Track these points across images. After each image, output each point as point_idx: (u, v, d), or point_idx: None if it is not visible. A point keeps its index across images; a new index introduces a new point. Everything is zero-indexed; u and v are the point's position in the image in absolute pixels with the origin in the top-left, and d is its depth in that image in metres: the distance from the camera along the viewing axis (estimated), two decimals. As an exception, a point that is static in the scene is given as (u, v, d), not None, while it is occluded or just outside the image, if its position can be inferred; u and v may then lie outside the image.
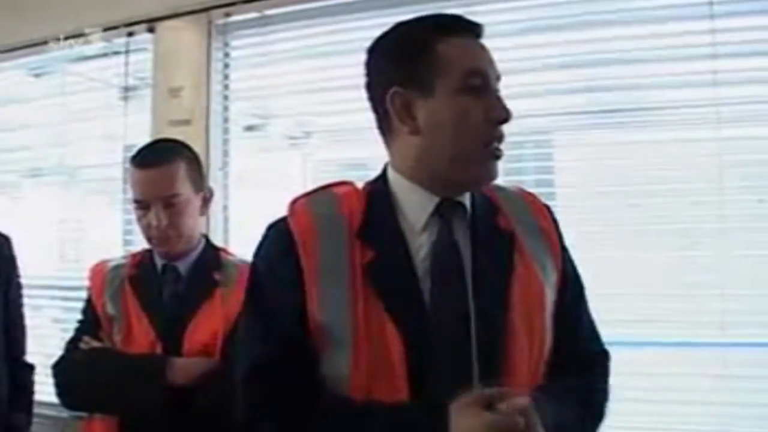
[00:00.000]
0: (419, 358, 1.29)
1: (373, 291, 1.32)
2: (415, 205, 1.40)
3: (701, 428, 2.49)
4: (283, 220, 1.41)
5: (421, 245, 1.37)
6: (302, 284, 1.33)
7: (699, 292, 2.56)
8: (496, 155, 1.37)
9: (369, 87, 1.45)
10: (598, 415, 1.46)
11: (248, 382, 1.38)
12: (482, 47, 1.40)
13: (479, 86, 1.35)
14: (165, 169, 2.00)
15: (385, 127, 1.42)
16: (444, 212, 1.39)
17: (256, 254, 1.45)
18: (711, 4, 2.49)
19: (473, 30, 1.39)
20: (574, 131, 2.80)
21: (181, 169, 2.02)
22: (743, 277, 2.52)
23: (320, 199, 1.44)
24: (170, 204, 1.99)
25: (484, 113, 1.34)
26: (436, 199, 1.39)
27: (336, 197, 1.44)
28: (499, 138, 1.37)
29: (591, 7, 2.67)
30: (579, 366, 1.44)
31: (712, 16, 2.49)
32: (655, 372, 2.50)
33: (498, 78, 1.39)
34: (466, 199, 1.42)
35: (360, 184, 1.47)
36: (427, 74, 1.34)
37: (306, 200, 1.44)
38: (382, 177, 1.46)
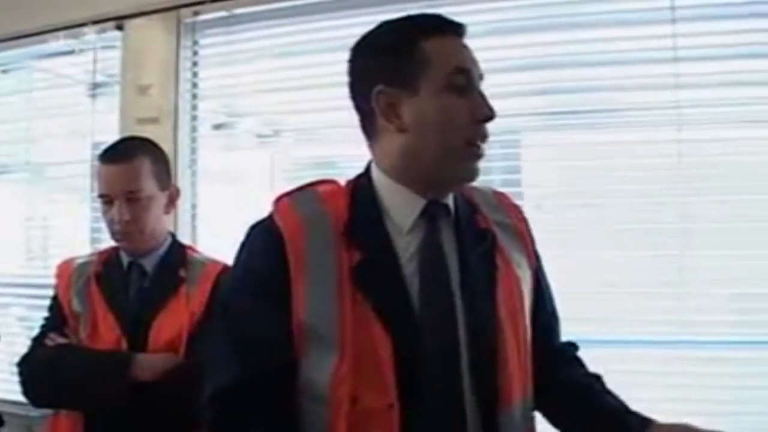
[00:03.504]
0: (408, 360, 1.28)
1: (361, 293, 1.30)
2: (401, 207, 1.39)
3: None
4: (268, 220, 1.39)
5: (407, 246, 1.37)
6: (289, 283, 1.31)
7: (659, 291, 2.60)
8: (478, 154, 1.38)
9: (352, 86, 1.44)
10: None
11: (214, 403, 1.34)
12: (465, 46, 1.40)
13: (463, 85, 1.35)
14: (128, 164, 2.02)
15: (368, 125, 1.42)
16: (430, 215, 1.40)
17: (240, 253, 1.41)
18: (673, 8, 2.54)
19: (456, 30, 1.40)
20: (540, 132, 2.83)
21: (145, 166, 2.04)
22: (703, 277, 2.56)
23: (304, 198, 1.42)
24: (133, 199, 2.00)
25: (468, 112, 1.35)
26: (422, 202, 1.39)
27: (320, 196, 1.42)
28: (483, 137, 1.37)
29: (555, 11, 2.70)
30: (567, 357, 1.53)
31: (673, 21, 2.54)
32: (614, 369, 2.51)
33: (481, 77, 1.40)
34: (450, 200, 1.43)
35: (342, 182, 1.47)
36: (412, 72, 1.34)
37: (290, 199, 1.42)
38: (366, 175, 1.45)
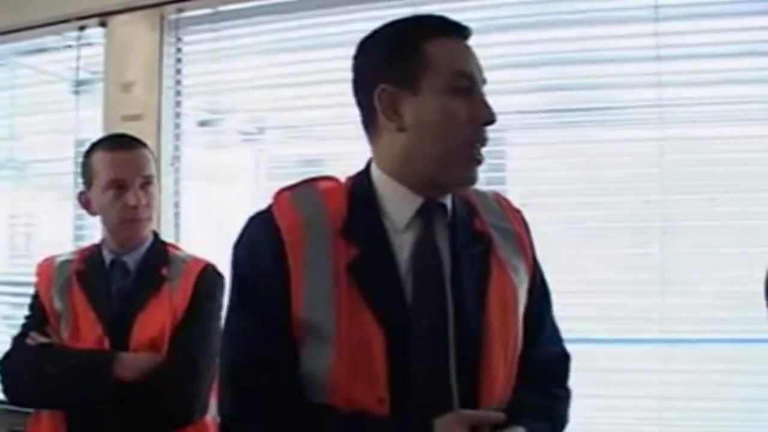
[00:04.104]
0: (400, 356, 1.30)
1: (357, 289, 1.31)
2: (398, 205, 1.40)
3: (641, 424, 2.55)
4: (267, 213, 1.40)
5: (402, 244, 1.38)
6: (288, 279, 1.32)
7: (642, 289, 2.61)
8: (477, 159, 1.38)
9: (355, 82, 1.44)
10: (562, 423, 1.51)
11: (231, 380, 1.38)
12: (469, 49, 1.40)
13: (466, 88, 1.35)
14: (142, 151, 2.09)
15: (369, 123, 1.42)
16: (427, 213, 1.40)
17: (237, 245, 1.41)
18: (656, 7, 2.55)
19: (461, 32, 1.40)
20: (524, 130, 2.83)
21: (150, 155, 2.11)
22: (686, 275, 2.58)
23: (304, 195, 1.42)
24: (147, 184, 2.05)
25: (469, 115, 1.35)
26: (420, 200, 1.39)
27: (319, 193, 1.42)
28: (482, 140, 1.38)
29: (539, 9, 2.70)
30: (539, 369, 1.47)
31: (656, 20, 2.55)
32: (595, 367, 2.54)
33: (484, 81, 1.40)
34: (448, 200, 1.43)
35: (342, 179, 1.47)
36: (415, 72, 1.35)
37: (290, 195, 1.42)
38: (366, 173, 1.45)
